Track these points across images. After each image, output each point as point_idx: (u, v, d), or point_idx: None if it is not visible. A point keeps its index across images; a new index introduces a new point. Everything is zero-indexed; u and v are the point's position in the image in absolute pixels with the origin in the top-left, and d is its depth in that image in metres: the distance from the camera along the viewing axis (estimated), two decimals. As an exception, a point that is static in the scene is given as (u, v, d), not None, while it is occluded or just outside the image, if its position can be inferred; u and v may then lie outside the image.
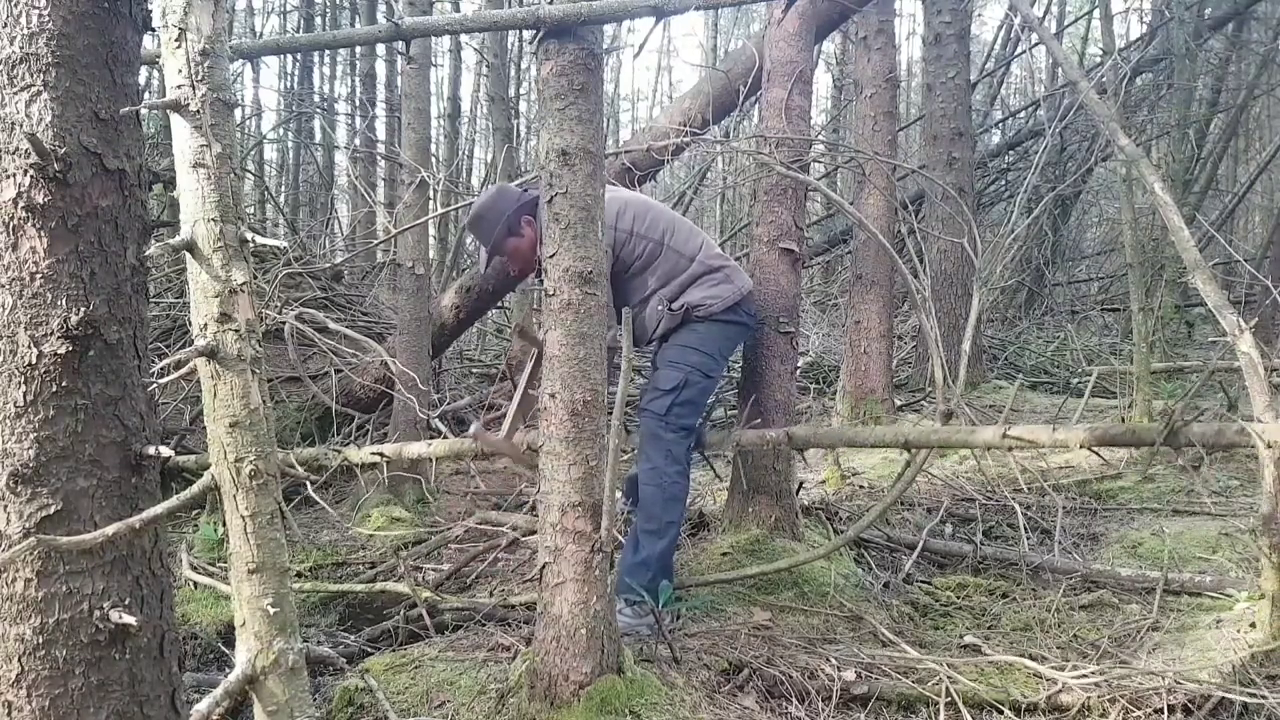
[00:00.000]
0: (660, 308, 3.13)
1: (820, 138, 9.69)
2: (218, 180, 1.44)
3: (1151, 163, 6.13)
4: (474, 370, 7.55)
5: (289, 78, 14.02)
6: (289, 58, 13.17)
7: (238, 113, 4.55)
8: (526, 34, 3.59)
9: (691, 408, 3.08)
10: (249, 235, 1.47)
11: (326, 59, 14.42)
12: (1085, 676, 2.46)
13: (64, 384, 1.56)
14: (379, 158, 11.49)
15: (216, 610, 3.40)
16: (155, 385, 1.69)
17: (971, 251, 3.62)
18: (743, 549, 3.38)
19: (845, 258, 10.13)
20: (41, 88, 1.54)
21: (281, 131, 13.45)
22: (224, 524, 1.53)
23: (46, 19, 1.54)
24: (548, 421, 2.29)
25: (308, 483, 3.17)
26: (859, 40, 5.98)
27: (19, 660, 1.56)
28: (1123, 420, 5.17)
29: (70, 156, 1.55)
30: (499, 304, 6.73)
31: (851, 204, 5.29)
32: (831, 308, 10.56)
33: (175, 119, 1.44)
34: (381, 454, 3.27)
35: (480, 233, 3.22)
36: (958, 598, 3.35)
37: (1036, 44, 11.61)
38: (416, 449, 3.40)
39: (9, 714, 1.57)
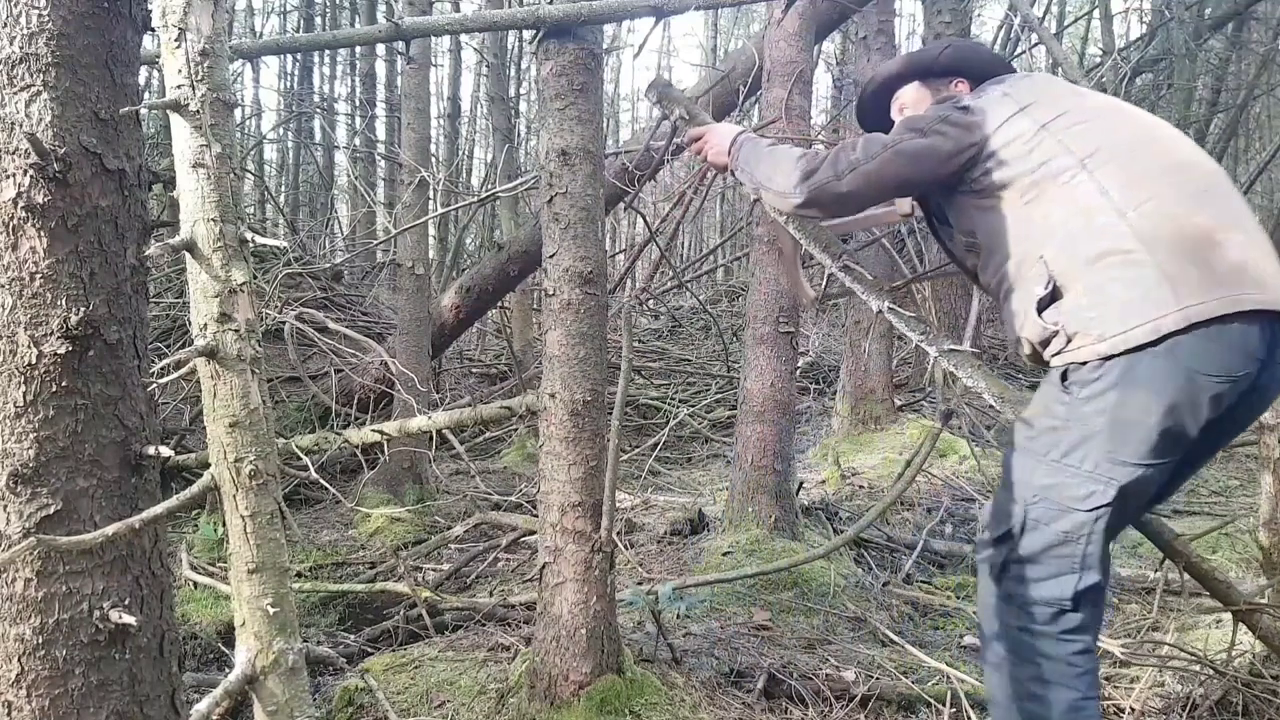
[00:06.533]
0: (1038, 290, 1.60)
1: (820, 138, 9.68)
2: (218, 180, 1.43)
3: (1151, 163, 6.11)
4: (474, 370, 7.55)
5: (289, 78, 14.04)
6: (289, 58, 13.17)
7: (238, 113, 4.55)
8: (526, 34, 3.59)
9: (1057, 563, 1.58)
10: (249, 235, 1.46)
11: (326, 59, 14.43)
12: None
13: (64, 384, 1.56)
14: (379, 158, 11.50)
15: (216, 610, 3.40)
16: (155, 385, 1.69)
17: (971, 251, 3.61)
18: (743, 549, 3.38)
19: (845, 258, 10.09)
20: (41, 88, 1.54)
21: (281, 131, 13.46)
22: (224, 524, 1.52)
23: (46, 19, 1.54)
24: (548, 421, 2.29)
25: (311, 470, 3.17)
26: (859, 40, 5.98)
27: (19, 660, 1.56)
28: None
29: (70, 156, 1.55)
30: (499, 304, 6.73)
31: (851, 204, 5.27)
32: (831, 308, 10.54)
33: (175, 119, 1.44)
34: (383, 431, 3.28)
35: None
36: (958, 598, 3.35)
37: (1036, 44, 11.60)
38: (417, 423, 3.43)
39: (9, 714, 1.56)
